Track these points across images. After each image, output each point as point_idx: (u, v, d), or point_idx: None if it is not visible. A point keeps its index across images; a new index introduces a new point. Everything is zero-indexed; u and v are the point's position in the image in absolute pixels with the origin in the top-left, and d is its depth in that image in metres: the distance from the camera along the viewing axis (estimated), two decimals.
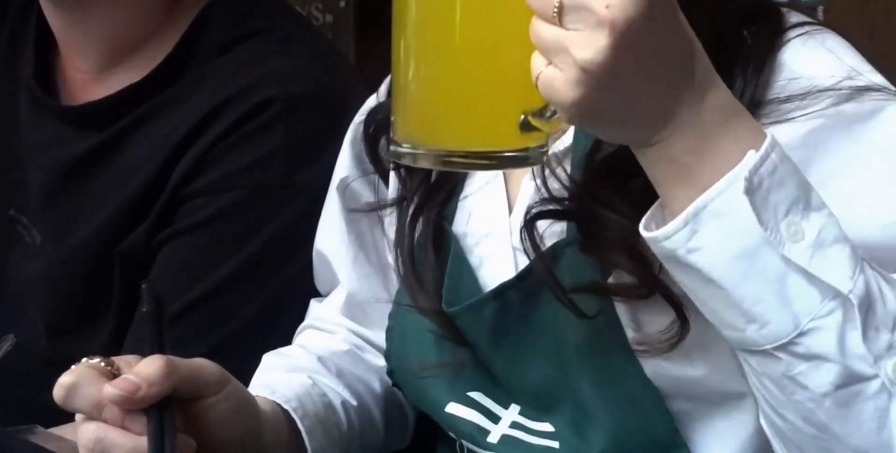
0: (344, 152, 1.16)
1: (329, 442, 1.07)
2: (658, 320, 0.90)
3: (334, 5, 2.95)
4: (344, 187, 1.14)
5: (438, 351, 1.01)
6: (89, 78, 1.33)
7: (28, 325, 1.33)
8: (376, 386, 1.14)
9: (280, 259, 1.21)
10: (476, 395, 1.01)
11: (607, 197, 0.88)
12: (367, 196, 1.13)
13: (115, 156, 1.30)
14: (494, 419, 1.01)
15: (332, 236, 1.16)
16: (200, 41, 1.29)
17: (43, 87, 1.36)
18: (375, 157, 1.09)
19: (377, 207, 1.09)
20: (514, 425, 1.00)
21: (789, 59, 0.92)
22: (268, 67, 1.26)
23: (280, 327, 1.20)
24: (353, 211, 1.12)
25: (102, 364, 0.89)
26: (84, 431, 0.88)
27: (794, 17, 0.95)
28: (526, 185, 1.00)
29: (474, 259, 1.01)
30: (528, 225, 0.94)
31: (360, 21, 2.96)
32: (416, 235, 1.03)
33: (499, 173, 1.02)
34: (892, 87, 0.91)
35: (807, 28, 0.93)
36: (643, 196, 0.83)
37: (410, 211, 1.04)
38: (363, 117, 1.12)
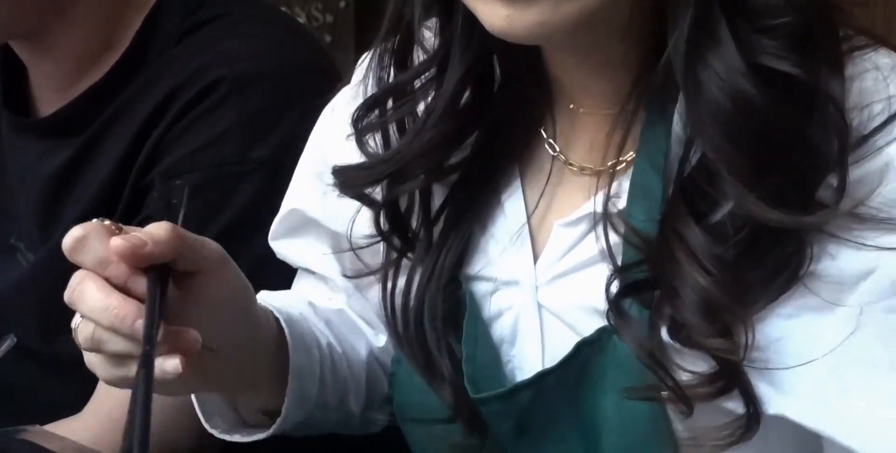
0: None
1: (310, 370, 1.01)
2: (715, 414, 0.82)
3: (334, 5, 2.95)
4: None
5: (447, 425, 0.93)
6: (59, 90, 1.33)
7: (24, 328, 1.33)
8: (362, 354, 1.08)
9: (245, 236, 1.19)
10: None
11: (689, 252, 0.80)
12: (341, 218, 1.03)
13: (91, 160, 1.29)
14: None
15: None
16: (156, 34, 1.29)
17: (16, 111, 1.36)
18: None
19: (374, 272, 1.00)
20: None
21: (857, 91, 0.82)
22: (217, 50, 1.25)
23: None
24: (349, 278, 1.04)
25: (113, 227, 0.86)
26: (75, 276, 0.86)
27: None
28: (557, 232, 0.92)
29: (488, 311, 0.94)
30: (616, 304, 0.84)
31: (360, 21, 2.96)
32: (429, 304, 0.94)
33: (522, 216, 0.94)
34: None
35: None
36: (729, 258, 0.79)
37: (419, 277, 0.95)
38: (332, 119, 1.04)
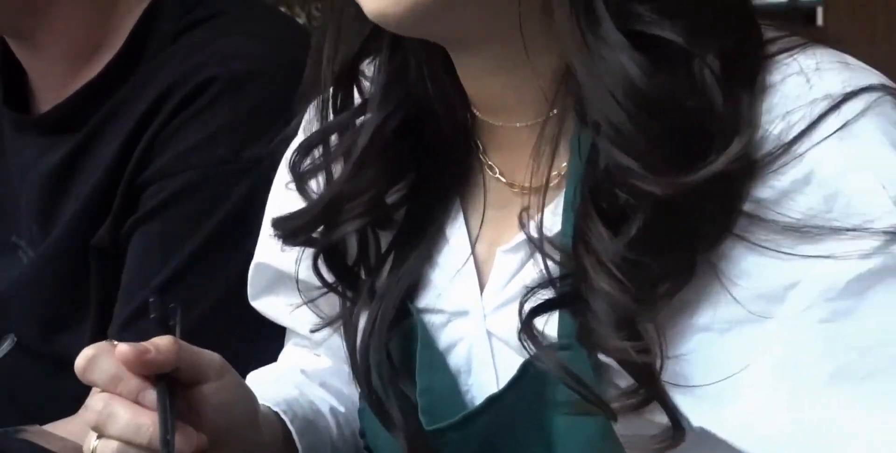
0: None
1: (321, 444, 1.04)
2: (648, 424, 0.81)
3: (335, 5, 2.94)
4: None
5: None
6: (56, 88, 1.33)
7: (23, 327, 1.33)
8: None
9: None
10: None
11: (603, 268, 0.78)
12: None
13: (87, 157, 1.30)
14: None
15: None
16: (152, 32, 1.29)
17: (17, 109, 1.37)
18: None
19: (334, 319, 0.99)
20: None
21: (822, 168, 0.77)
22: (211, 49, 1.25)
23: (249, 304, 1.18)
24: (314, 331, 1.02)
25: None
26: (95, 399, 0.88)
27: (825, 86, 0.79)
28: (500, 259, 0.90)
29: (442, 342, 0.93)
30: (527, 328, 0.83)
31: None
32: (375, 352, 0.93)
33: (466, 243, 0.93)
34: None
35: (840, 118, 0.78)
36: (637, 256, 0.77)
37: (364, 318, 0.94)
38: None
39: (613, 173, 0.78)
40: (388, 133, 0.92)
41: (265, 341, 1.17)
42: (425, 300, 0.94)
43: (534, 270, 0.84)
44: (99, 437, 0.88)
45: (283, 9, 2.48)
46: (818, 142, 0.77)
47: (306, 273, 0.99)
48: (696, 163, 0.76)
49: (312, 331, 1.03)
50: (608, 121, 0.77)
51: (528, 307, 0.83)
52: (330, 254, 0.96)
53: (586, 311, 0.80)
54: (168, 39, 1.29)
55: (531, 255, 0.85)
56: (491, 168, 0.93)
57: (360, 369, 0.94)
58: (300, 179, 0.96)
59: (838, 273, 0.76)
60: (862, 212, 0.76)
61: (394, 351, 0.94)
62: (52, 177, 1.32)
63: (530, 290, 0.83)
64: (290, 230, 0.96)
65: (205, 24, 1.29)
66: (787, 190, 0.77)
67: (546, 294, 0.83)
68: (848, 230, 0.76)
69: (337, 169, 0.94)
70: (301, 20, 2.84)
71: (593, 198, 0.80)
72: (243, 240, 1.21)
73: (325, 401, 1.08)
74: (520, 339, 0.83)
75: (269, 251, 1.06)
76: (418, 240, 0.95)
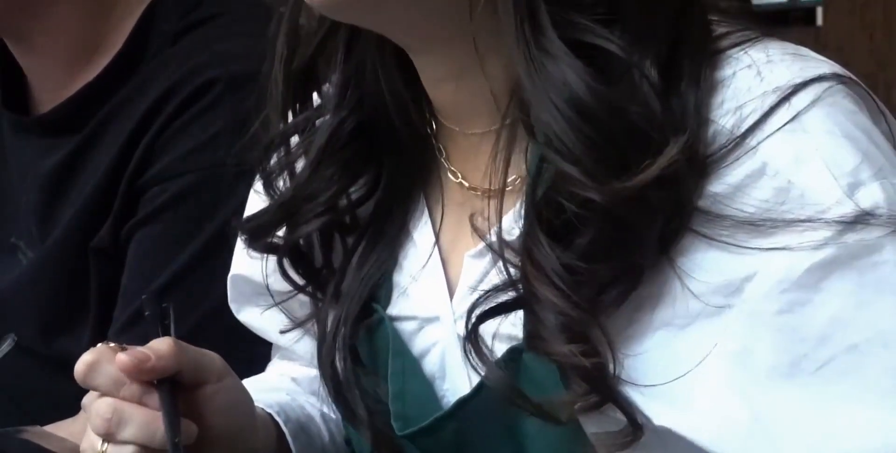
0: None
1: (313, 448, 1.05)
2: (608, 422, 0.81)
3: None
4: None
5: None
6: (55, 90, 1.33)
7: (23, 328, 1.33)
8: None
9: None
10: None
11: (545, 269, 0.79)
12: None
13: (88, 158, 1.29)
14: None
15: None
16: (152, 34, 1.29)
17: (16, 110, 1.36)
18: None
19: (305, 321, 0.99)
20: None
21: (775, 160, 0.78)
22: (212, 51, 1.25)
23: None
24: (284, 332, 1.03)
25: (119, 348, 0.89)
26: (100, 405, 0.88)
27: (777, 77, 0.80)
28: (468, 264, 0.90)
29: (415, 349, 0.93)
30: (472, 336, 0.83)
31: None
32: (339, 351, 0.94)
33: (434, 250, 0.93)
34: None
35: (791, 110, 0.78)
36: (583, 265, 0.78)
37: (329, 325, 0.94)
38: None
39: (557, 181, 0.79)
40: (345, 134, 0.93)
41: (265, 344, 1.17)
42: (396, 306, 0.94)
43: (499, 275, 0.84)
44: (105, 442, 0.88)
45: (282, 9, 2.47)
46: (770, 135, 0.78)
47: (280, 283, 0.99)
48: (634, 168, 0.77)
49: (282, 332, 1.03)
50: (552, 131, 0.78)
51: (477, 312, 0.83)
52: (294, 255, 0.96)
53: (535, 316, 0.80)
54: (168, 40, 1.29)
55: (497, 261, 0.85)
56: (454, 173, 0.93)
57: (325, 365, 0.95)
58: (266, 180, 0.97)
59: (793, 264, 0.76)
60: (814, 203, 0.76)
61: (363, 354, 0.94)
62: (51, 179, 1.32)
63: (481, 296, 0.83)
64: (252, 230, 0.97)
65: (204, 25, 1.29)
66: (741, 184, 0.78)
67: (501, 298, 0.83)
68: (801, 221, 0.76)
69: (299, 169, 0.94)
70: (302, 21, 2.84)
71: (537, 208, 0.80)
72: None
73: (315, 408, 1.09)
74: (464, 351, 0.84)
75: (244, 262, 1.06)
76: (382, 239, 0.95)
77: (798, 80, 0.79)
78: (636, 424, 0.80)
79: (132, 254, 1.25)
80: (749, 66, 0.80)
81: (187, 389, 0.90)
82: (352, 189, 0.95)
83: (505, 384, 0.83)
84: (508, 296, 0.83)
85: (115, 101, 1.28)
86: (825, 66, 0.82)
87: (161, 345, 0.88)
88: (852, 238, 0.76)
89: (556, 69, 0.78)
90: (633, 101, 0.78)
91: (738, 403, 0.77)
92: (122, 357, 0.86)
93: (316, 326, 0.98)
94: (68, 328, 1.31)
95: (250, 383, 1.09)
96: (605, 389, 0.79)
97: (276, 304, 1.01)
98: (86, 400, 0.91)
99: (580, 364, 0.78)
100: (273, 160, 0.96)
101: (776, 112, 0.78)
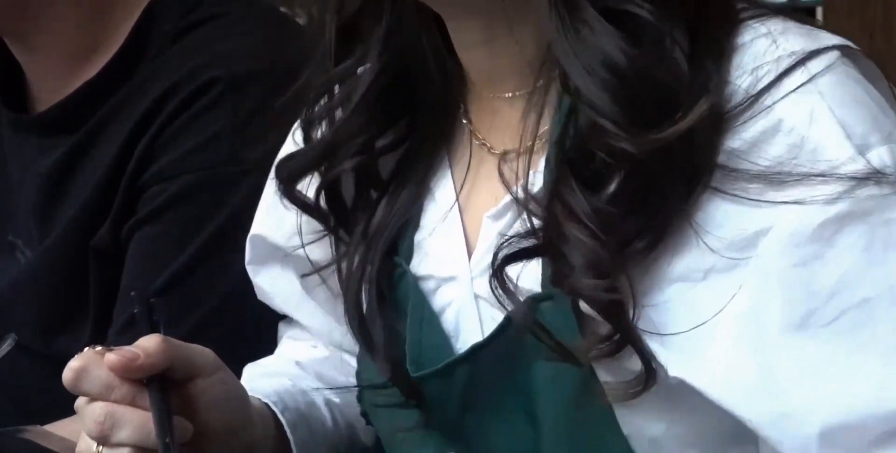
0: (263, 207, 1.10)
1: (314, 437, 1.04)
2: (621, 370, 0.83)
3: None
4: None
5: (406, 412, 0.94)
6: (54, 89, 1.33)
7: (22, 328, 1.33)
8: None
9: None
10: None
11: (576, 211, 0.82)
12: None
13: (87, 157, 1.29)
14: None
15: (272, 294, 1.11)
16: (151, 33, 1.28)
17: (15, 109, 1.36)
18: (302, 207, 1.01)
19: (326, 266, 1.02)
20: None
21: (790, 118, 0.80)
22: (212, 50, 1.25)
23: (251, 306, 1.18)
24: (305, 276, 1.06)
25: (105, 350, 0.90)
26: (92, 409, 0.88)
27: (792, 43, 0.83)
28: (487, 225, 0.92)
29: (435, 306, 0.94)
30: (498, 273, 0.86)
31: None
32: (365, 290, 0.96)
33: (454, 210, 0.96)
34: None
35: (806, 73, 0.81)
36: (614, 211, 0.80)
37: (356, 262, 0.97)
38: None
39: (590, 135, 0.82)
40: (383, 84, 0.96)
41: (265, 344, 1.17)
42: (414, 264, 0.96)
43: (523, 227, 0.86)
44: (100, 446, 0.88)
45: (283, 9, 2.46)
46: (785, 95, 0.81)
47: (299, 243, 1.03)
48: (666, 122, 0.80)
49: (304, 276, 1.05)
50: (588, 89, 0.81)
51: (502, 254, 0.85)
52: (330, 193, 0.99)
53: (561, 259, 0.82)
54: (168, 40, 1.28)
55: (516, 219, 0.88)
56: (477, 136, 0.95)
57: (351, 299, 0.96)
58: (307, 126, 1.00)
59: (806, 218, 0.78)
60: (827, 159, 0.79)
61: (386, 296, 0.96)
62: (50, 178, 1.32)
63: (506, 239, 0.85)
64: (291, 170, 1.00)
65: (205, 24, 1.28)
66: (756, 140, 0.80)
67: (525, 244, 0.85)
68: (815, 176, 0.79)
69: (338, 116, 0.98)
70: (301, 20, 2.84)
71: (569, 159, 0.83)
72: (245, 243, 1.21)
73: (319, 393, 1.08)
74: (490, 287, 0.85)
75: (264, 222, 1.08)
76: (405, 190, 0.98)
77: (813, 47, 0.82)
78: (651, 370, 0.81)
79: (132, 254, 1.25)
80: (766, 35, 0.84)
81: (179, 385, 0.90)
82: (383, 139, 0.98)
83: (530, 319, 0.84)
84: (533, 242, 0.85)
85: (114, 100, 1.28)
86: (837, 40, 0.85)
87: (149, 343, 0.88)
88: (864, 193, 0.78)
89: (591, 36, 0.81)
90: (663, 64, 0.82)
91: (748, 358, 0.79)
92: (111, 356, 0.87)
93: (337, 275, 1.00)
94: (68, 328, 1.31)
95: (252, 368, 1.12)
96: (626, 329, 0.81)
97: (303, 246, 1.03)
98: (78, 403, 0.91)
99: (604, 299, 0.81)
100: (316, 108, 1.00)
101: (791, 74, 0.81)
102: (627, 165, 0.81)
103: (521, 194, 0.86)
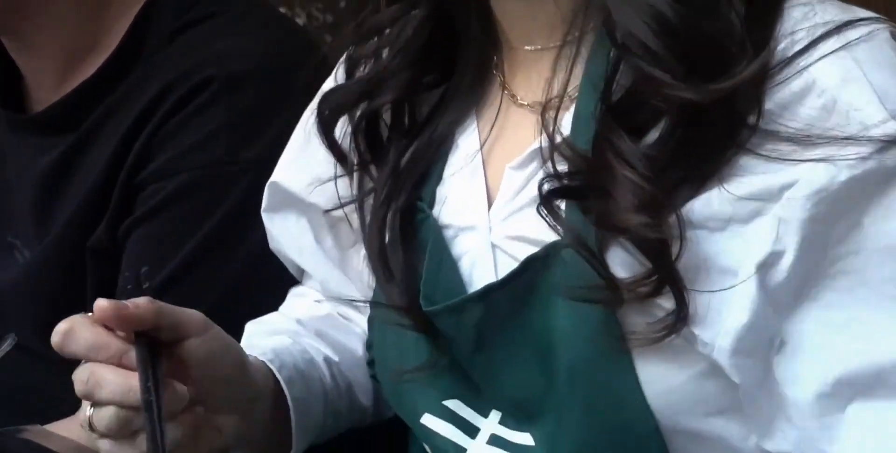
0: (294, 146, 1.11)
1: (312, 395, 1.04)
2: (652, 309, 0.84)
3: (334, 5, 2.94)
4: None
5: (417, 352, 0.95)
6: (51, 88, 1.33)
7: (21, 327, 1.34)
8: (359, 351, 1.11)
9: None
10: (453, 404, 0.95)
11: (625, 153, 0.83)
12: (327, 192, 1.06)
13: (83, 157, 1.29)
14: (472, 433, 0.95)
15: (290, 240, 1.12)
16: (149, 32, 1.29)
17: (12, 108, 1.36)
18: (332, 143, 1.04)
19: (350, 202, 1.03)
20: (493, 440, 0.94)
21: (823, 79, 0.81)
22: (209, 49, 1.25)
23: (251, 303, 1.19)
24: (327, 212, 1.07)
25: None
26: (80, 370, 0.89)
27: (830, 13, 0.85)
28: (508, 175, 0.93)
29: (454, 252, 0.95)
30: (547, 202, 0.86)
31: None
32: (389, 221, 0.98)
33: (477, 157, 0.97)
34: None
35: (843, 38, 0.83)
36: (663, 155, 0.82)
37: (383, 194, 0.98)
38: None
39: (642, 86, 0.83)
40: (430, 27, 0.99)
41: None
42: (437, 210, 0.97)
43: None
44: (93, 406, 0.89)
45: (283, 9, 2.47)
46: (819, 58, 0.82)
47: (317, 196, 1.06)
48: (722, 75, 0.81)
49: (327, 211, 1.06)
50: (638, 41, 0.82)
51: (547, 187, 0.86)
52: (370, 123, 1.01)
53: (606, 199, 0.83)
54: (165, 39, 1.28)
55: (538, 170, 0.89)
56: (507, 87, 0.96)
57: (375, 225, 0.98)
58: (353, 66, 1.03)
59: (832, 175, 0.79)
60: (859, 121, 0.80)
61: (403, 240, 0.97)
62: (47, 177, 1.32)
63: (548, 176, 0.86)
64: (335, 103, 1.02)
65: (202, 23, 1.28)
66: (788, 101, 0.81)
67: (566, 182, 0.86)
68: (844, 138, 0.79)
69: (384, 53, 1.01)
70: (301, 20, 2.84)
71: (613, 110, 0.84)
72: (242, 241, 1.21)
73: (319, 351, 1.09)
74: (539, 212, 0.86)
75: (285, 172, 1.11)
76: (435, 134, 1.00)
77: (849, 18, 0.83)
78: (684, 313, 0.82)
79: (129, 253, 1.25)
80: (804, 4, 0.85)
81: (169, 347, 0.90)
82: (425, 77, 1.00)
83: (580, 238, 0.84)
84: (575, 181, 0.85)
85: (111, 99, 1.28)
86: (877, 16, 0.86)
87: (139, 299, 0.89)
88: (893, 157, 0.79)
89: None
90: (715, 22, 0.83)
91: (759, 323, 0.81)
92: (102, 302, 0.87)
93: (357, 212, 1.02)
94: None
95: (252, 326, 1.14)
96: (667, 269, 0.82)
97: (335, 178, 1.04)
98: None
99: (652, 238, 0.81)
100: (366, 46, 1.02)
101: (826, 40, 0.82)
102: (678, 113, 0.82)
103: (555, 139, 0.86)
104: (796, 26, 0.84)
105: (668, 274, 0.82)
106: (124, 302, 0.87)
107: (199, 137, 1.22)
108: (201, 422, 0.92)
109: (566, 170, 0.85)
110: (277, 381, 1.02)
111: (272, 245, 1.14)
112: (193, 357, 0.91)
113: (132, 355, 0.87)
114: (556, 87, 0.88)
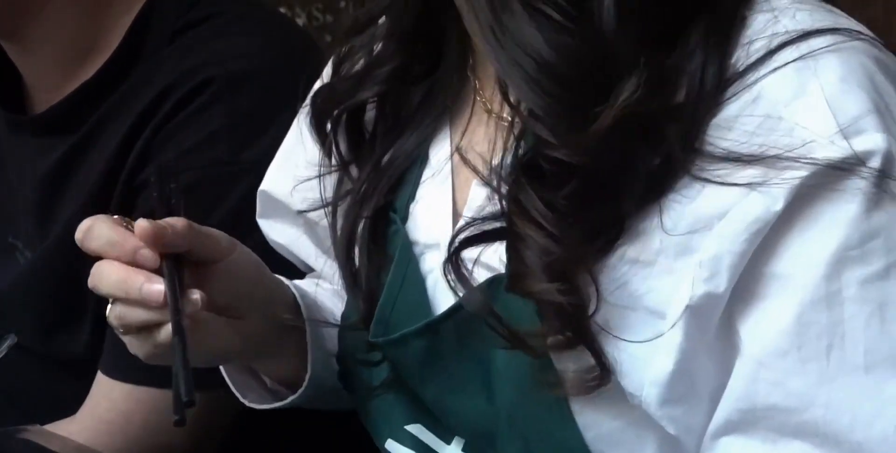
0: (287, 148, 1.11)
1: (328, 336, 1.03)
2: (581, 360, 0.81)
3: (334, 5, 2.94)
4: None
5: (381, 369, 0.94)
6: (51, 89, 1.33)
7: (22, 328, 1.33)
8: None
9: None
10: (415, 429, 0.94)
11: (532, 213, 0.79)
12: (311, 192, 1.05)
13: (84, 158, 1.29)
14: None
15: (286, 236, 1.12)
16: (149, 33, 1.28)
17: (13, 109, 1.36)
18: (324, 140, 1.02)
19: (326, 205, 1.02)
20: None
21: (772, 92, 0.76)
22: (210, 50, 1.25)
23: None
24: (301, 213, 1.06)
25: (122, 221, 0.93)
26: (110, 310, 0.91)
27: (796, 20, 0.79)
28: (475, 192, 0.90)
29: (422, 269, 0.94)
30: (454, 257, 0.84)
31: None
32: (360, 229, 0.96)
33: (447, 167, 0.94)
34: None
35: (804, 48, 0.77)
36: (571, 212, 0.78)
37: (359, 194, 0.97)
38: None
39: (537, 145, 0.79)
40: (417, 9, 0.95)
41: None
42: (408, 225, 0.95)
43: (492, 205, 0.84)
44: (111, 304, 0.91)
45: (283, 9, 2.47)
46: (772, 70, 0.76)
47: (302, 202, 1.05)
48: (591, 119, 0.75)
49: (300, 213, 1.06)
50: (520, 90, 0.78)
51: (461, 237, 0.84)
52: (353, 120, 1.00)
53: (518, 258, 0.79)
54: (165, 40, 1.28)
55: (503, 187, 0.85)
56: (479, 93, 0.94)
57: (347, 225, 0.97)
58: (340, 62, 1.01)
59: (768, 204, 0.74)
60: (803, 139, 0.74)
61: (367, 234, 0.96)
62: (48, 178, 1.31)
63: (468, 223, 0.84)
64: (328, 99, 1.00)
65: (202, 24, 1.28)
66: (735, 114, 0.76)
67: (488, 226, 0.84)
68: (785, 159, 0.74)
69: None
70: (301, 20, 2.84)
71: (524, 166, 0.80)
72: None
73: (336, 304, 1.08)
74: (444, 272, 0.84)
75: (273, 179, 1.11)
76: (412, 138, 0.98)
77: (816, 26, 0.78)
78: (605, 368, 0.79)
79: None
80: (769, 10, 0.79)
81: (195, 265, 0.92)
82: (414, 68, 0.98)
83: (482, 307, 0.83)
84: (495, 226, 0.83)
85: (111, 100, 1.28)
86: (852, 23, 0.80)
87: (177, 222, 0.90)
88: (832, 182, 0.74)
89: (518, 29, 0.78)
90: (594, 48, 0.77)
91: (687, 369, 0.78)
92: (143, 222, 0.88)
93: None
94: (67, 327, 1.31)
95: None
96: (581, 330, 0.79)
97: (320, 175, 1.03)
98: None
99: (559, 301, 0.78)
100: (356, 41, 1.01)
101: (782, 51, 0.77)
102: (572, 171, 0.77)
103: (493, 180, 0.83)
104: (755, 36, 0.78)
105: (581, 334, 0.79)
106: (163, 225, 0.89)
107: (200, 138, 1.22)
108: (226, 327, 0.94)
109: (490, 221, 0.83)
110: (299, 307, 1.04)
111: (274, 247, 1.14)
112: (220, 276, 0.93)
113: (145, 253, 0.89)
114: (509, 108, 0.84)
